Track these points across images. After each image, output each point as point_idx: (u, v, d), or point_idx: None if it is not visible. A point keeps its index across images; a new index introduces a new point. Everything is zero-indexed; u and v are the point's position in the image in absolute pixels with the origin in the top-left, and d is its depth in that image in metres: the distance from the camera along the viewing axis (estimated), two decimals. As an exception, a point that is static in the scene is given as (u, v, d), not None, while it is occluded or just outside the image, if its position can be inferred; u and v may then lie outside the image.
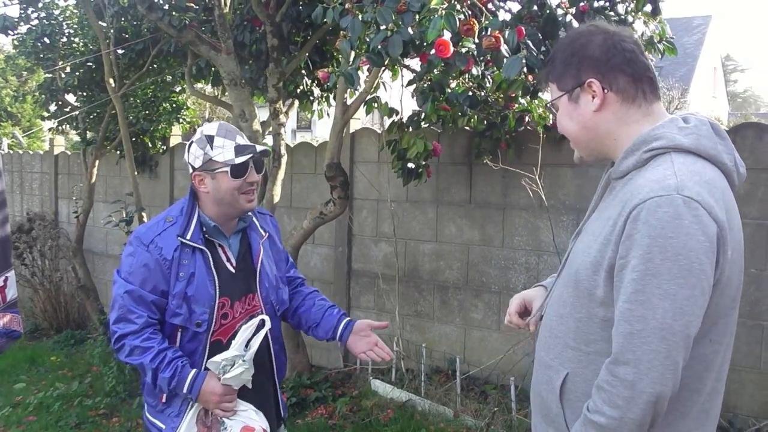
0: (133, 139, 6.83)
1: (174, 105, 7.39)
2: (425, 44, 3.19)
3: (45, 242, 7.92)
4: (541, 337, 1.82)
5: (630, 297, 1.47)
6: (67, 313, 7.77)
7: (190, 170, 2.39)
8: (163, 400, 2.39)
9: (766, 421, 3.99)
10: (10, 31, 6.21)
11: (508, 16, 3.66)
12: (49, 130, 9.27)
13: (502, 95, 4.53)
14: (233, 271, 2.46)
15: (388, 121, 5.00)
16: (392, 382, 5.07)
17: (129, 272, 2.34)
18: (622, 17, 3.70)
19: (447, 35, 3.09)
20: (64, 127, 7.96)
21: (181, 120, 7.47)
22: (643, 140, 1.60)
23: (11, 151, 10.85)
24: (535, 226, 4.83)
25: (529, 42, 3.30)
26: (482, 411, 4.45)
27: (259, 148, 2.38)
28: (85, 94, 7.21)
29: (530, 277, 4.82)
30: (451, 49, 3.09)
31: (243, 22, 5.40)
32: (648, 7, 3.81)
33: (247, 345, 2.31)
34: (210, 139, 2.33)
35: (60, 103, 7.55)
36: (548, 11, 3.55)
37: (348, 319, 2.64)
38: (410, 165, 4.69)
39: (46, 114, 7.82)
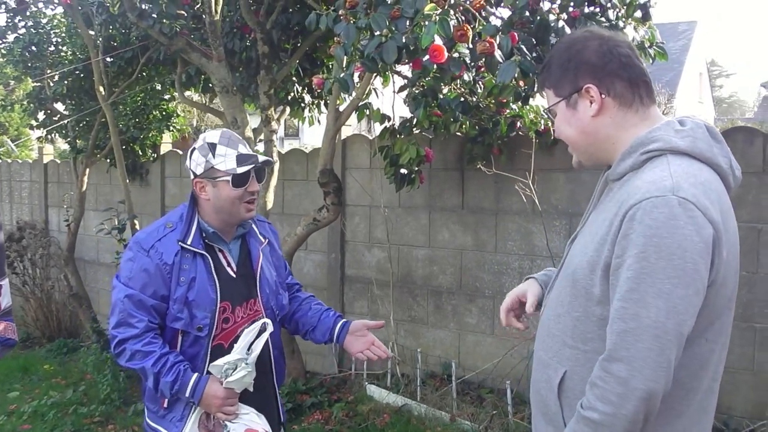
0: (124, 147, 6.81)
1: (164, 113, 7.39)
2: (419, 50, 3.21)
3: (35, 251, 7.88)
4: (539, 336, 1.84)
5: (624, 295, 1.50)
6: (59, 322, 7.72)
7: (191, 176, 2.40)
8: (165, 405, 2.40)
9: (760, 422, 4.02)
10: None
11: (499, 23, 3.69)
12: (38, 139, 9.23)
13: (493, 101, 4.56)
14: (234, 275, 2.47)
15: (376, 128, 5.01)
16: (387, 387, 5.08)
17: (129, 277, 2.34)
18: (613, 23, 3.72)
19: (438, 40, 3.11)
20: (52, 135, 7.92)
21: (171, 128, 7.47)
22: (640, 142, 1.62)
23: (0, 160, 10.80)
24: (528, 231, 4.86)
25: (523, 47, 3.32)
26: (479, 415, 4.46)
27: (261, 158, 2.39)
28: (74, 102, 7.19)
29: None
30: (446, 54, 3.11)
31: (233, 30, 5.42)
32: (638, 13, 3.85)
33: (249, 348, 2.32)
34: (212, 146, 2.34)
35: (49, 111, 7.51)
36: (540, 17, 3.57)
37: (344, 320, 2.66)
38: (403, 171, 4.70)
39: (34, 123, 7.79)
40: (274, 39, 5.15)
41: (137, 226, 6.22)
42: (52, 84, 7.03)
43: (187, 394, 2.30)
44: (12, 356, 6.75)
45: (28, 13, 6.69)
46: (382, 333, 2.91)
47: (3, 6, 6.29)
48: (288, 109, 6.10)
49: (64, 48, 7.14)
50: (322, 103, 6.06)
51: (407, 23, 3.19)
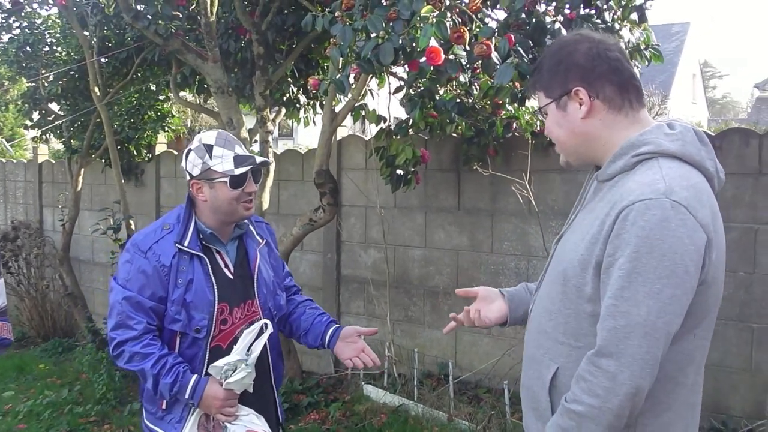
0: (119, 147, 6.80)
1: (159, 113, 7.38)
2: (416, 52, 3.22)
3: (30, 250, 7.86)
4: (529, 333, 1.87)
5: (616, 293, 1.52)
6: (54, 321, 7.71)
7: (188, 178, 2.40)
8: (163, 407, 2.40)
9: (758, 422, 4.04)
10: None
11: (494, 24, 3.70)
12: (33, 139, 9.22)
13: (489, 102, 4.57)
14: (231, 277, 2.47)
15: (371, 129, 5.01)
16: (384, 387, 5.08)
17: (126, 279, 2.34)
18: (609, 25, 3.74)
19: (433, 42, 3.11)
20: (47, 135, 7.91)
21: (166, 128, 7.46)
22: (631, 145, 1.65)
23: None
24: (525, 232, 4.87)
25: (520, 49, 3.33)
26: (476, 415, 4.47)
27: (258, 159, 2.39)
28: (68, 103, 7.17)
29: (520, 281, 4.83)
30: (442, 56, 3.11)
31: (228, 31, 5.41)
32: (634, 15, 3.86)
33: (249, 349, 2.32)
34: (209, 148, 2.34)
35: (43, 112, 7.51)
36: (536, 19, 3.58)
37: (336, 326, 2.65)
38: (399, 171, 4.71)
39: (29, 123, 7.78)
40: (269, 40, 5.15)
41: (132, 226, 6.22)
42: (46, 84, 7.03)
43: (186, 396, 2.30)
44: (7, 356, 6.74)
45: (22, 14, 6.68)
46: (378, 333, 2.91)
47: (-2, 6, 6.29)
48: (283, 110, 6.11)
49: (59, 48, 7.13)
50: (318, 104, 6.07)
51: (404, 25, 3.20)
